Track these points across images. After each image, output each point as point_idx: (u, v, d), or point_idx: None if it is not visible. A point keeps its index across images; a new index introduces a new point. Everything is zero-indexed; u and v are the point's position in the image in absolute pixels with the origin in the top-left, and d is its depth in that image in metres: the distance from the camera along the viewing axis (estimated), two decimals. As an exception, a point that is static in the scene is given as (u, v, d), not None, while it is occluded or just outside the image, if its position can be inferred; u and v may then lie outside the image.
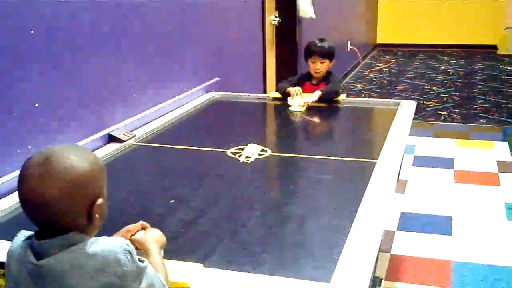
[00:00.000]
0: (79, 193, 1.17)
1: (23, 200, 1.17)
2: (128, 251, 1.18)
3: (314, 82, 3.69)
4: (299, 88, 3.44)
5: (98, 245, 1.17)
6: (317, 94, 3.37)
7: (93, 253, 1.15)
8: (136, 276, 1.19)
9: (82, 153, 1.21)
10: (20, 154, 2.15)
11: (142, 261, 1.22)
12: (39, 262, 1.16)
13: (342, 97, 3.45)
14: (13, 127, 2.13)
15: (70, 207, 1.16)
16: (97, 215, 1.20)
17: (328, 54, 3.64)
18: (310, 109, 3.28)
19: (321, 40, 3.72)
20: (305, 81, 3.69)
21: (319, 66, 3.63)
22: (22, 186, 1.17)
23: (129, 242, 1.21)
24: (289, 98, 3.39)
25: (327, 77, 3.67)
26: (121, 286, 1.16)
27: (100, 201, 1.20)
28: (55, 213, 1.15)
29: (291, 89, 3.42)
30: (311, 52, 3.66)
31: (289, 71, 5.55)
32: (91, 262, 1.14)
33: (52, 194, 1.13)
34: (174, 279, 1.42)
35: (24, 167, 1.18)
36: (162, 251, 1.47)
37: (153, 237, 1.47)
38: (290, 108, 3.32)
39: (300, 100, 3.33)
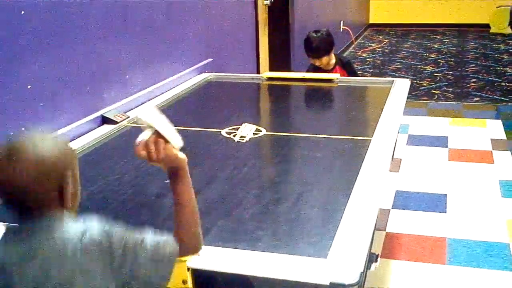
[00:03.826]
0: (49, 176, 1.21)
1: None
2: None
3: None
4: None
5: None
6: None
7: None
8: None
9: (50, 139, 1.26)
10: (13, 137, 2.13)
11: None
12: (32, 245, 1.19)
13: (336, 76, 3.44)
14: (5, 109, 2.11)
15: (40, 189, 1.20)
16: (68, 191, 1.24)
17: (321, 52, 3.64)
18: (304, 88, 3.29)
19: (316, 32, 3.68)
20: (318, 70, 3.73)
21: (318, 63, 3.67)
22: None
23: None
24: None
25: (337, 62, 3.75)
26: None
27: (69, 182, 1.24)
28: (27, 196, 1.19)
29: None
30: (306, 51, 3.68)
31: (282, 51, 5.53)
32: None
33: (22, 178, 1.18)
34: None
35: None
36: None
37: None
38: None
39: None
